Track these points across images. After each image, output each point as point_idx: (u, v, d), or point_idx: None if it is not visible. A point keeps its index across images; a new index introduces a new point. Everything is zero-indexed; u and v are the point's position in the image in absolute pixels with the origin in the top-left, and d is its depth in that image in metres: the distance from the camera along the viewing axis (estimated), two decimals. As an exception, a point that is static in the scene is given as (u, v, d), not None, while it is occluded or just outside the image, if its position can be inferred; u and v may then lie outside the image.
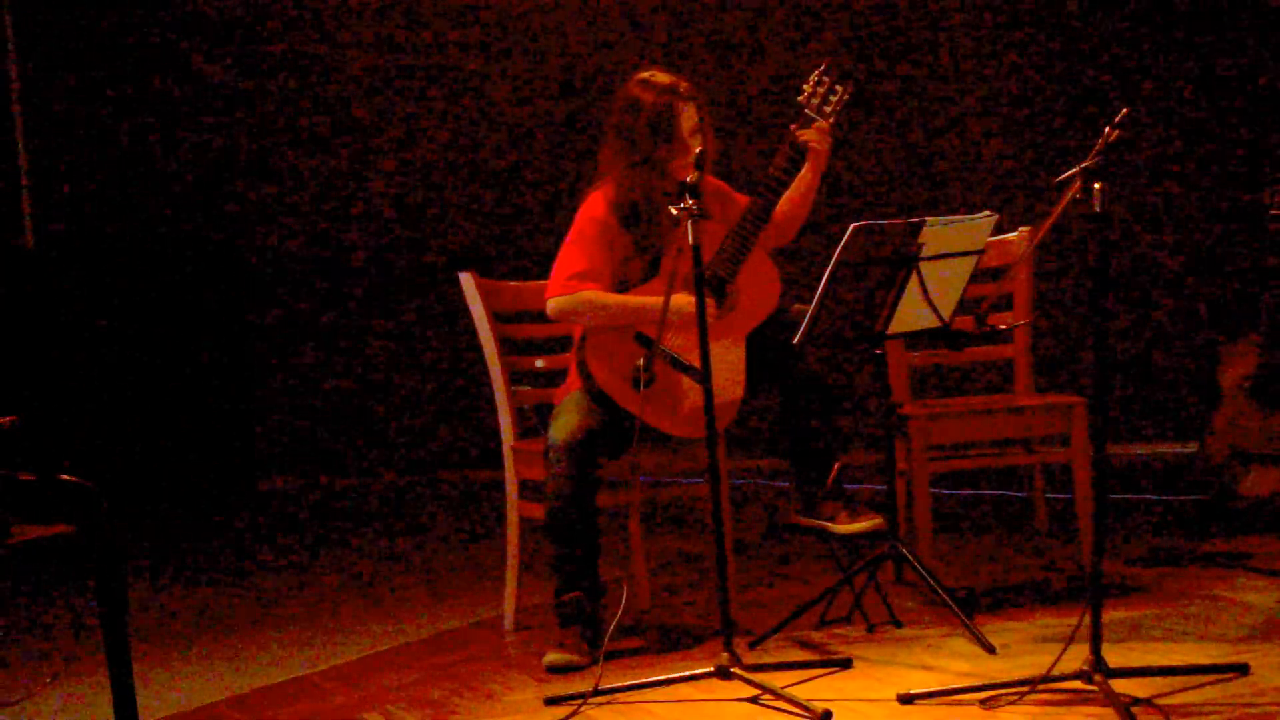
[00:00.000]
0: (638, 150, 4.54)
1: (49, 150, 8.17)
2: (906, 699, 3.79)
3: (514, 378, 4.92)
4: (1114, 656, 3.63)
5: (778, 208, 4.60)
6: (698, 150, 4.18)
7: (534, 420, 5.13)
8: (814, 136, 4.54)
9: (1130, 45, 7.10)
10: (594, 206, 4.60)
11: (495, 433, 4.92)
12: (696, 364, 4.19)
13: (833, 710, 3.73)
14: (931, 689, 3.83)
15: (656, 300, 4.33)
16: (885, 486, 4.57)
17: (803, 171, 4.61)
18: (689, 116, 4.54)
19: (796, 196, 4.65)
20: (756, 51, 7.63)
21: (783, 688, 3.86)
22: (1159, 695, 3.64)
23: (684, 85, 4.58)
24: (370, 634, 5.00)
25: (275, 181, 8.31)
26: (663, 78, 4.59)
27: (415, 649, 4.80)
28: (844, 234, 4.13)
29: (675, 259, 4.10)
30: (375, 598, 5.59)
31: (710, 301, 4.37)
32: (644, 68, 4.70)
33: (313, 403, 8.33)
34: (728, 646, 3.96)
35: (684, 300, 4.33)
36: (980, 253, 4.38)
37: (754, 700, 3.90)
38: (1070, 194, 3.70)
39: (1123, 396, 7.05)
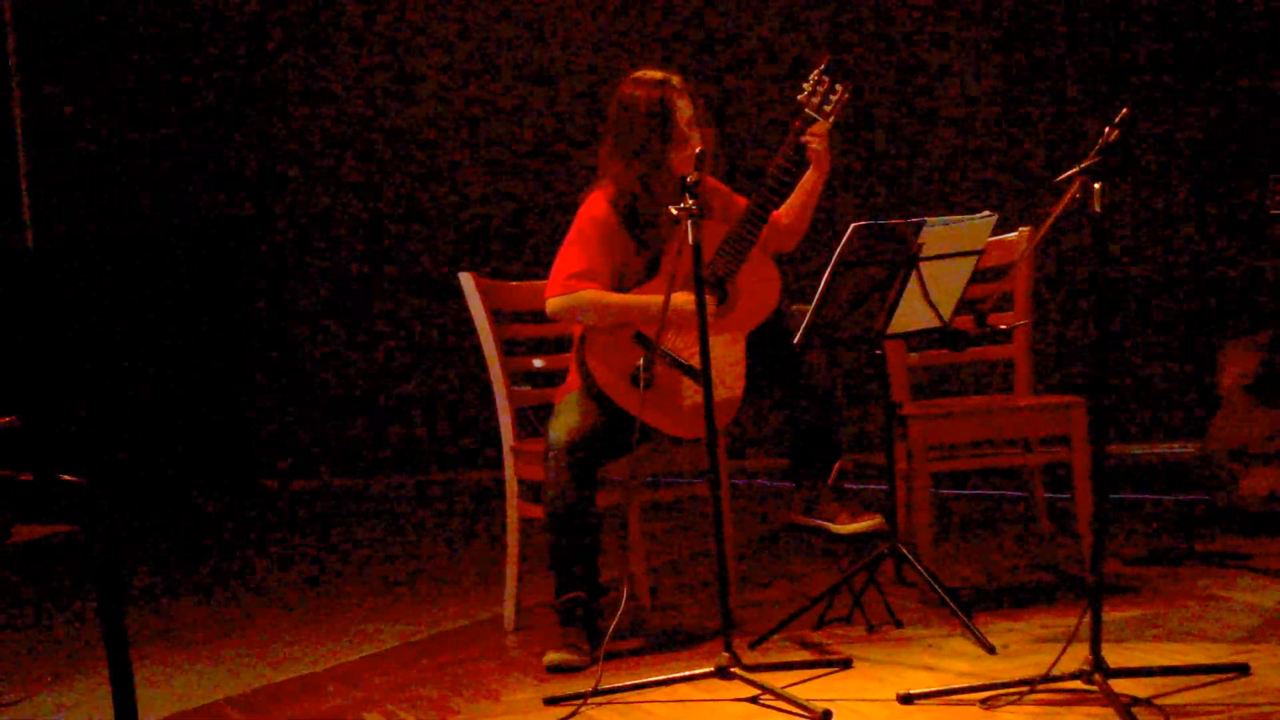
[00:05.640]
0: (636, 145, 4.53)
1: (49, 150, 8.17)
2: (906, 699, 3.78)
3: (514, 378, 4.92)
4: (1114, 656, 3.63)
5: (782, 212, 4.61)
6: (698, 149, 4.18)
7: (534, 420, 5.13)
8: (814, 136, 4.53)
9: (1130, 44, 7.10)
10: (594, 206, 4.60)
11: (495, 433, 4.92)
12: (696, 364, 4.19)
13: (833, 710, 3.73)
14: (931, 689, 3.83)
15: (657, 299, 4.33)
16: (885, 486, 4.57)
17: (806, 174, 4.61)
18: (684, 109, 4.55)
19: (800, 200, 4.64)
20: (756, 50, 7.63)
21: (783, 688, 3.86)
22: (1159, 695, 3.63)
23: (677, 79, 4.59)
24: (370, 634, 5.00)
25: (275, 182, 8.31)
26: (655, 73, 4.60)
27: (415, 649, 4.80)
28: (844, 234, 4.13)
29: (675, 259, 4.10)
30: (375, 597, 5.59)
31: (710, 301, 4.37)
32: (639, 67, 4.71)
33: (313, 402, 8.33)
34: (728, 646, 3.96)
35: (684, 299, 4.32)
36: (980, 253, 4.38)
37: (754, 700, 3.90)
38: (1070, 194, 3.70)
39: (1123, 397, 7.05)
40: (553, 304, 4.54)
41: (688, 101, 4.56)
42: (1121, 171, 3.62)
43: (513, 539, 4.87)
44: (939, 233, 4.23)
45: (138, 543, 6.94)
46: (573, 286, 4.50)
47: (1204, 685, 3.70)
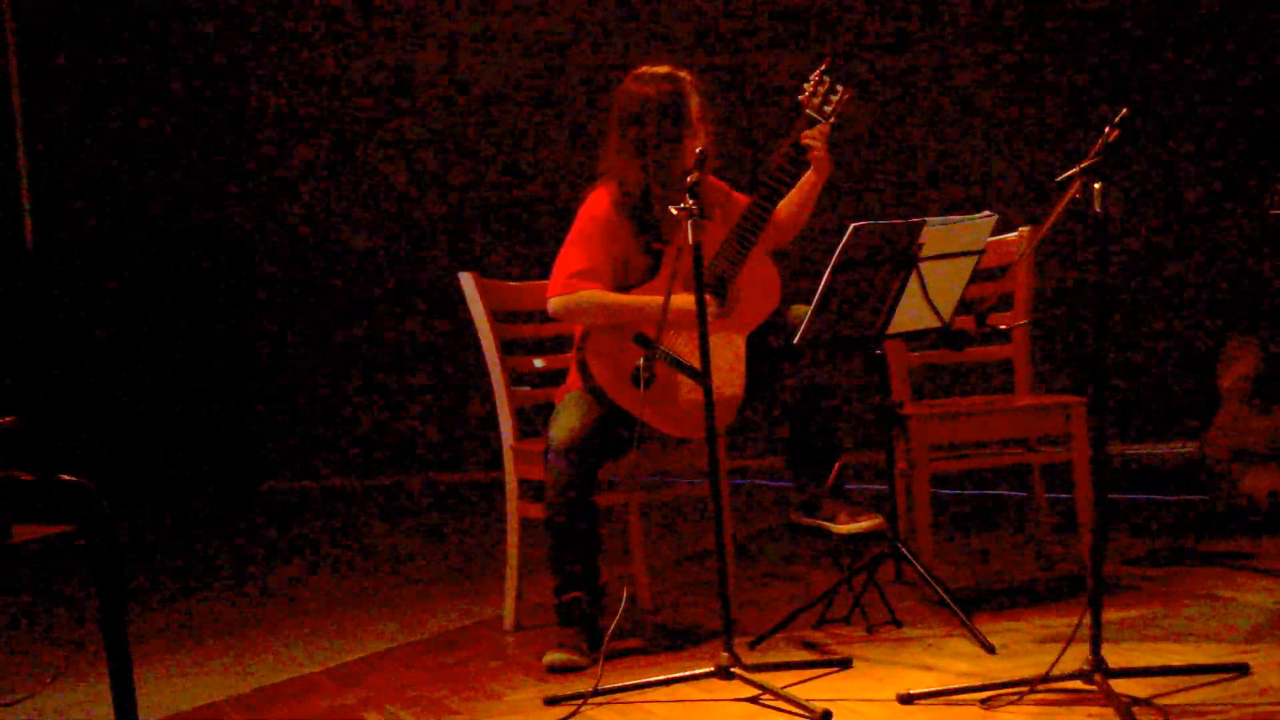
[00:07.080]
0: (649, 140, 4.52)
1: (49, 150, 8.17)
2: (906, 699, 3.78)
3: (514, 378, 4.91)
4: (1114, 656, 3.63)
5: (780, 209, 4.61)
6: (698, 149, 4.18)
7: (534, 420, 5.13)
8: (815, 138, 4.53)
9: (1131, 44, 7.10)
10: (595, 205, 4.60)
11: (495, 433, 4.91)
12: (697, 364, 4.19)
13: (833, 710, 3.73)
14: (931, 689, 3.83)
15: (657, 300, 4.33)
16: (885, 486, 4.56)
17: (806, 174, 4.61)
18: (694, 102, 4.56)
19: (799, 199, 4.64)
20: (757, 50, 7.63)
21: (783, 688, 3.86)
22: (1159, 695, 3.63)
23: (684, 73, 4.60)
24: (370, 634, 5.00)
25: (276, 182, 8.31)
26: (662, 68, 4.61)
27: (415, 649, 4.80)
28: (844, 234, 4.13)
29: (676, 259, 4.10)
30: (375, 597, 5.59)
31: (711, 301, 4.36)
32: (639, 64, 4.71)
33: (313, 402, 8.33)
34: (728, 646, 3.96)
35: (685, 299, 4.32)
36: (980, 253, 4.38)
37: (754, 700, 3.90)
38: (1070, 194, 3.70)
39: (1123, 397, 7.05)
40: (554, 304, 4.54)
41: (696, 95, 4.57)
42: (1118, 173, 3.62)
43: (513, 539, 4.87)
44: (939, 233, 4.23)
45: (138, 543, 6.94)
46: (574, 286, 4.50)
47: (1204, 685, 3.70)
